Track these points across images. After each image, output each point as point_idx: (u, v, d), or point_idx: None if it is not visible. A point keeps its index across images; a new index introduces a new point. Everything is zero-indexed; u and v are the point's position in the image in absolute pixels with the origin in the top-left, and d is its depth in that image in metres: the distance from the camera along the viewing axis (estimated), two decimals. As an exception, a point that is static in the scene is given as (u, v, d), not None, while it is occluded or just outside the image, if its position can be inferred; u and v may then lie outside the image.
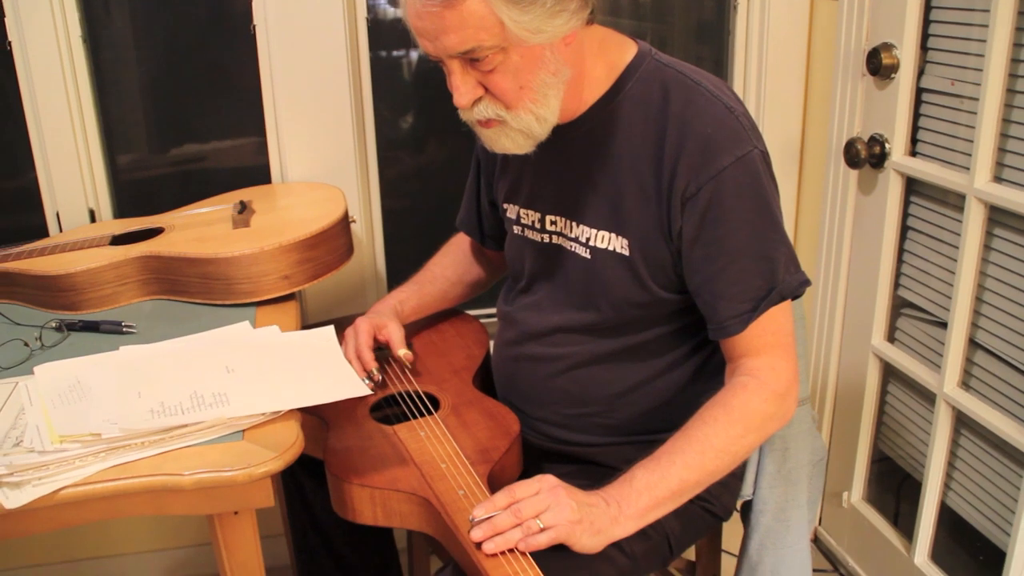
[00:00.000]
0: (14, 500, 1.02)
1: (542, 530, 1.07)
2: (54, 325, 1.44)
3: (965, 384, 1.66)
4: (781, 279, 1.22)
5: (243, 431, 1.14)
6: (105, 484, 1.05)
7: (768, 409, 1.21)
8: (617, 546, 1.23)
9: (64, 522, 1.08)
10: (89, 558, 2.13)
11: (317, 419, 1.36)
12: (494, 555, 1.06)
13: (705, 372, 1.36)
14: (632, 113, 1.24)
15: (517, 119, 1.17)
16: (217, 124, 1.98)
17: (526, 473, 1.33)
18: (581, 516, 1.09)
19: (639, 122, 1.23)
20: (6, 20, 1.75)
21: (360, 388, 1.23)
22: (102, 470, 1.07)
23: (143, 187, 1.99)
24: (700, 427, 1.19)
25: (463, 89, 1.15)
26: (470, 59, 1.12)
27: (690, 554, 1.54)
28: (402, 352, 1.44)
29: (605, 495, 1.14)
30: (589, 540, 1.10)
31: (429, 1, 1.07)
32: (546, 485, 1.10)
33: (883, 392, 1.94)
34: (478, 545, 1.07)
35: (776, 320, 1.23)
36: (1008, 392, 1.57)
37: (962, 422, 1.68)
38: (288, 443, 1.11)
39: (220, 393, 1.19)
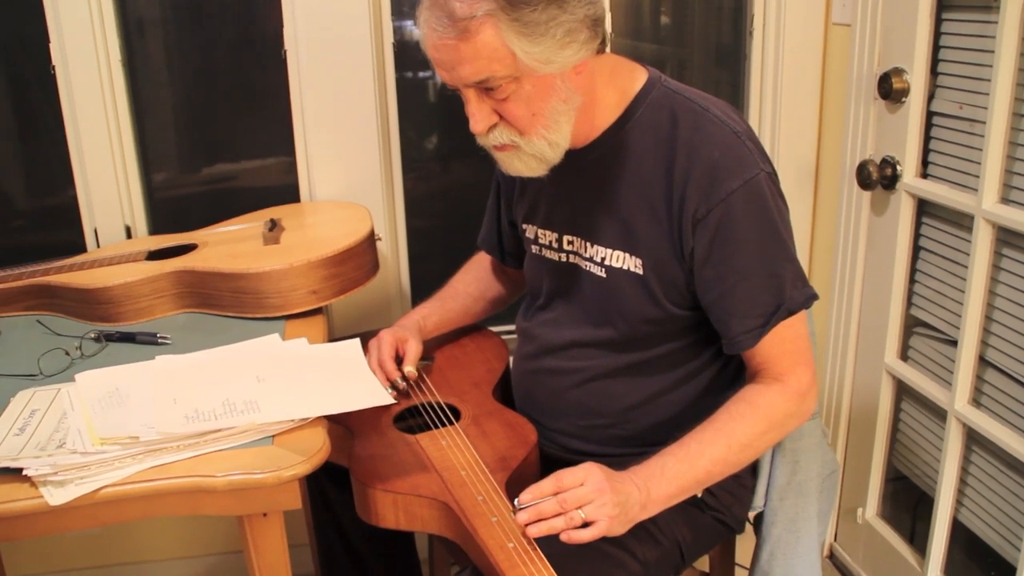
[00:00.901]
0: (58, 497, 1.07)
1: (585, 524, 1.10)
2: (93, 336, 1.51)
3: (976, 401, 1.69)
4: (788, 295, 1.26)
5: (273, 436, 1.19)
6: (143, 484, 1.11)
7: (790, 407, 1.27)
8: (629, 552, 1.27)
9: (103, 520, 1.14)
10: (121, 564, 2.18)
11: (343, 428, 1.41)
12: (512, 558, 1.09)
13: (716, 386, 1.40)
14: (643, 138, 1.29)
15: (530, 144, 1.22)
16: (248, 145, 2.05)
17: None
18: (619, 510, 1.13)
19: (650, 147, 1.28)
20: (50, 45, 1.83)
21: (383, 397, 1.28)
22: (140, 471, 1.12)
23: (177, 205, 2.05)
24: (727, 421, 1.24)
25: (479, 116, 1.20)
26: (484, 88, 1.17)
27: (705, 566, 1.58)
28: (408, 369, 1.48)
29: (637, 480, 1.18)
30: (621, 528, 1.15)
31: (445, 35, 1.12)
32: (592, 478, 1.13)
33: (896, 410, 1.96)
34: (522, 539, 1.11)
35: (793, 329, 1.28)
36: (1018, 409, 1.59)
37: (973, 439, 1.71)
38: (315, 448, 1.16)
39: (251, 400, 1.24)
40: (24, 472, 1.10)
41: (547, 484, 1.13)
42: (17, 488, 1.09)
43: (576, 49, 1.17)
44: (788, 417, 1.28)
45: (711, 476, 1.23)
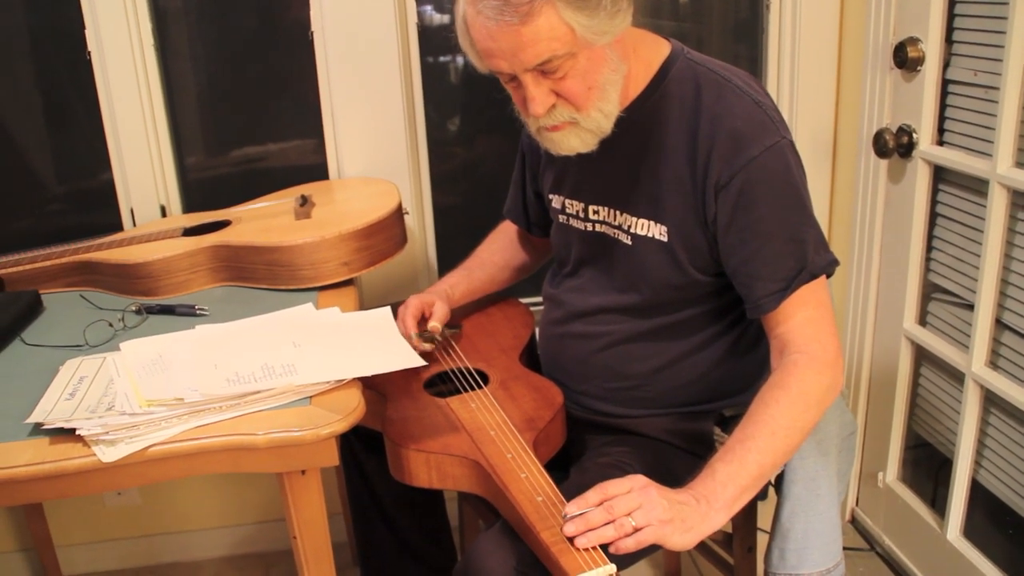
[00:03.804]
0: (110, 455, 1.13)
1: (635, 529, 1.08)
2: (134, 308, 1.57)
3: (993, 364, 1.72)
4: (811, 259, 1.28)
5: (310, 397, 1.25)
6: (188, 443, 1.17)
7: (823, 381, 1.26)
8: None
9: (151, 477, 1.20)
10: (160, 534, 2.25)
11: (376, 394, 1.45)
12: (541, 511, 1.14)
13: (737, 350, 1.44)
14: (668, 108, 1.32)
15: (587, 119, 1.25)
16: (277, 126, 2.10)
17: (569, 442, 1.43)
18: (672, 515, 1.10)
19: (674, 117, 1.32)
20: (86, 31, 1.88)
21: (415, 359, 1.34)
22: (185, 430, 1.18)
23: (210, 185, 2.10)
24: (764, 410, 1.22)
25: (540, 99, 1.21)
26: (542, 71, 1.19)
27: (727, 527, 1.61)
28: (432, 324, 1.53)
29: (693, 492, 1.15)
30: (680, 538, 1.11)
31: (505, 21, 1.13)
32: (638, 484, 1.12)
33: (916, 375, 1.99)
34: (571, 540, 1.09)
35: (815, 294, 1.29)
36: (1034, 370, 1.63)
37: (991, 401, 1.74)
38: (351, 407, 1.21)
39: (289, 364, 1.30)
40: (77, 432, 1.16)
41: (592, 495, 1.11)
42: (71, 447, 1.16)
43: (623, 18, 1.20)
44: (824, 391, 1.26)
45: (764, 469, 1.19)
